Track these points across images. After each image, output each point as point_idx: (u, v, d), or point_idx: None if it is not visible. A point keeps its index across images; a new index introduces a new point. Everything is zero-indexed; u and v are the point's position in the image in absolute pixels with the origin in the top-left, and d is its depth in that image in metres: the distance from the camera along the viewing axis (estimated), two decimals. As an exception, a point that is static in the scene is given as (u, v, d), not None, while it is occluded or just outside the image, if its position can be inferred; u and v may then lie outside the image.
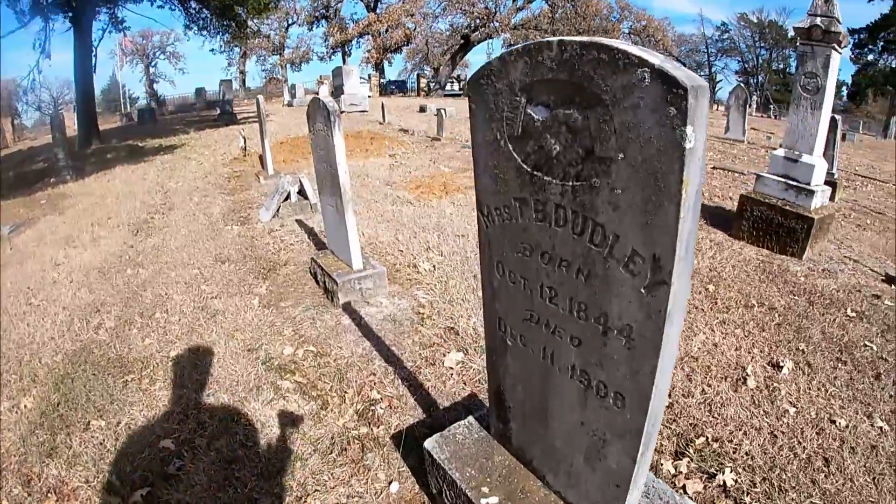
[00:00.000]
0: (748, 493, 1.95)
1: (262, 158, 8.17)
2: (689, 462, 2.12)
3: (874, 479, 2.05)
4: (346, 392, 2.63)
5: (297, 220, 5.65)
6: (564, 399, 1.52)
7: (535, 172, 1.30)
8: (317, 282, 3.94)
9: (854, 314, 3.59)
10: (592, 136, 1.12)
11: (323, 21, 37.18)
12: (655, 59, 0.97)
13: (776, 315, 3.50)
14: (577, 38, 1.06)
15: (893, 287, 4.37)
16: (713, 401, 2.50)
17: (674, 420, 2.38)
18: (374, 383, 2.69)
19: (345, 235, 3.50)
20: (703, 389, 2.61)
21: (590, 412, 1.44)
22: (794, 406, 2.49)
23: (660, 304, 1.13)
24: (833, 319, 3.44)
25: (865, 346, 3.13)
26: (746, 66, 49.46)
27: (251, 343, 3.13)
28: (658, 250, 1.09)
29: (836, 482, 2.04)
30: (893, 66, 35.44)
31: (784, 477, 2.04)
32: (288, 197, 5.85)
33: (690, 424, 2.34)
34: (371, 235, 4.93)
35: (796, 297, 3.82)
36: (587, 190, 1.18)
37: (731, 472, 2.04)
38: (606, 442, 1.43)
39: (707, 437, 2.26)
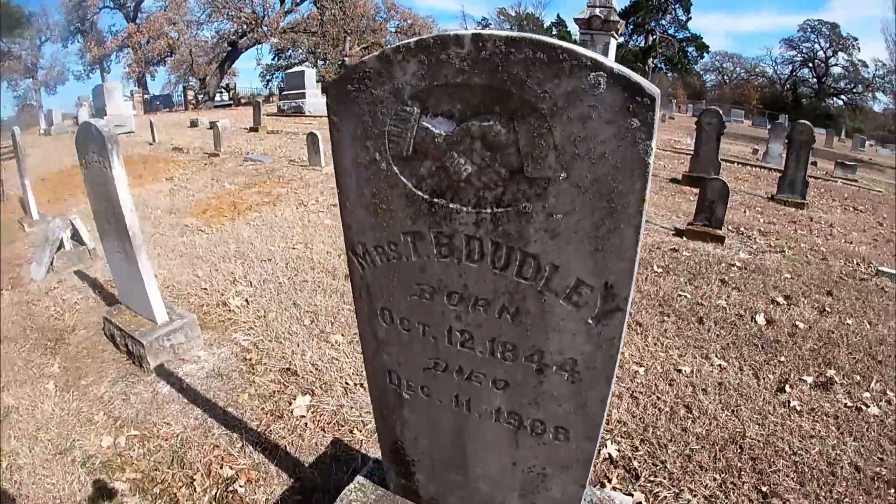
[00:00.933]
0: (634, 458, 2.09)
1: (23, 202, 6.19)
2: (565, 438, 2.18)
3: (733, 411, 2.40)
4: (192, 477, 2.01)
5: (76, 272, 4.30)
6: (488, 444, 1.32)
7: (435, 199, 1.02)
8: (116, 346, 2.99)
9: (661, 269, 4.12)
10: (522, 154, 0.89)
11: (79, 36, 31.34)
12: (608, 61, 0.78)
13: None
14: (502, 33, 0.80)
15: (685, 239, 5.19)
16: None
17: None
18: (223, 458, 2.11)
19: (141, 286, 2.73)
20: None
21: (524, 451, 1.27)
22: (640, 365, 2.76)
23: (613, 332, 0.99)
24: (645, 277, 3.91)
25: (680, 295, 3.62)
26: (509, 58, 58.79)
27: (60, 442, 2.26)
28: (611, 277, 0.94)
29: (704, 424, 2.31)
30: (641, 45, 42.46)
31: (658, 433, 2.23)
32: (61, 245, 4.42)
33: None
34: (166, 277, 3.95)
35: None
36: (513, 217, 0.96)
37: (612, 443, 2.15)
38: (548, 476, 1.29)
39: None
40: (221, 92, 31.68)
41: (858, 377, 2.70)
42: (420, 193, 1.03)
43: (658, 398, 2.50)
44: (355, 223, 1.15)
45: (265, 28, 30.76)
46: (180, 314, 2.93)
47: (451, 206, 1.01)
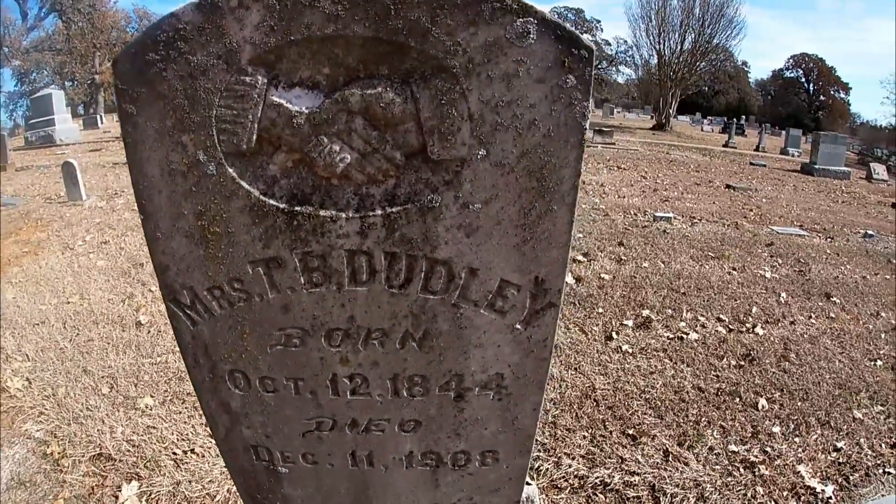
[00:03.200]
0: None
1: None
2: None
3: (576, 369, 2.57)
4: None
5: None
6: (401, 495, 1.14)
7: (296, 208, 0.78)
8: None
9: None
10: (425, 129, 0.71)
11: None
12: (536, 5, 0.65)
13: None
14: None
15: None
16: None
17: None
18: None
19: None
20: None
21: (445, 488, 1.13)
22: None
23: (545, 332, 0.90)
24: None
25: None
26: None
27: None
28: (542, 271, 0.83)
29: (554, 387, 2.45)
30: None
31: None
32: None
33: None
34: (-77, 368, 2.86)
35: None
36: (415, 216, 0.78)
37: None
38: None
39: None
40: (-45, 130, 26.30)
41: (670, 311, 3.25)
42: (273, 203, 0.77)
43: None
44: (174, 262, 0.83)
45: (6, 49, 28.18)
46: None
47: (321, 213, 0.78)
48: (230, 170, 0.75)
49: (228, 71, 0.67)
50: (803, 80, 46.26)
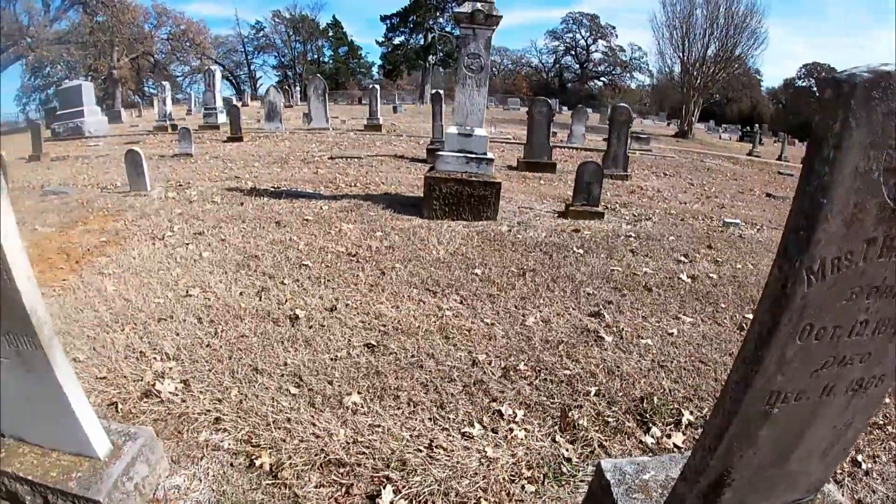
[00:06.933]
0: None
1: None
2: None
3: (728, 355, 3.19)
4: None
5: None
6: (826, 419, 1.58)
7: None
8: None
9: (581, 250, 4.85)
10: None
11: None
12: None
13: (544, 275, 4.30)
14: None
15: (570, 219, 6.18)
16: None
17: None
18: None
19: (55, 403, 1.84)
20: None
21: (851, 410, 1.58)
22: (641, 337, 3.36)
23: None
24: (574, 260, 4.62)
25: (613, 270, 4.42)
26: (283, 60, 60.38)
27: None
28: None
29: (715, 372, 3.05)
30: (421, 43, 49.39)
31: (704, 388, 2.86)
32: None
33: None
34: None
35: (534, 253, 4.82)
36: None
37: (685, 411, 2.67)
38: (852, 423, 1.63)
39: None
40: (-18, 122, 28.38)
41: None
42: (890, 202, 1.27)
43: (666, 359, 3.20)
44: (825, 236, 1.25)
45: (29, 40, 29.14)
46: (125, 431, 2.09)
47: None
48: (881, 178, 1.23)
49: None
50: (815, 89, 50.74)
